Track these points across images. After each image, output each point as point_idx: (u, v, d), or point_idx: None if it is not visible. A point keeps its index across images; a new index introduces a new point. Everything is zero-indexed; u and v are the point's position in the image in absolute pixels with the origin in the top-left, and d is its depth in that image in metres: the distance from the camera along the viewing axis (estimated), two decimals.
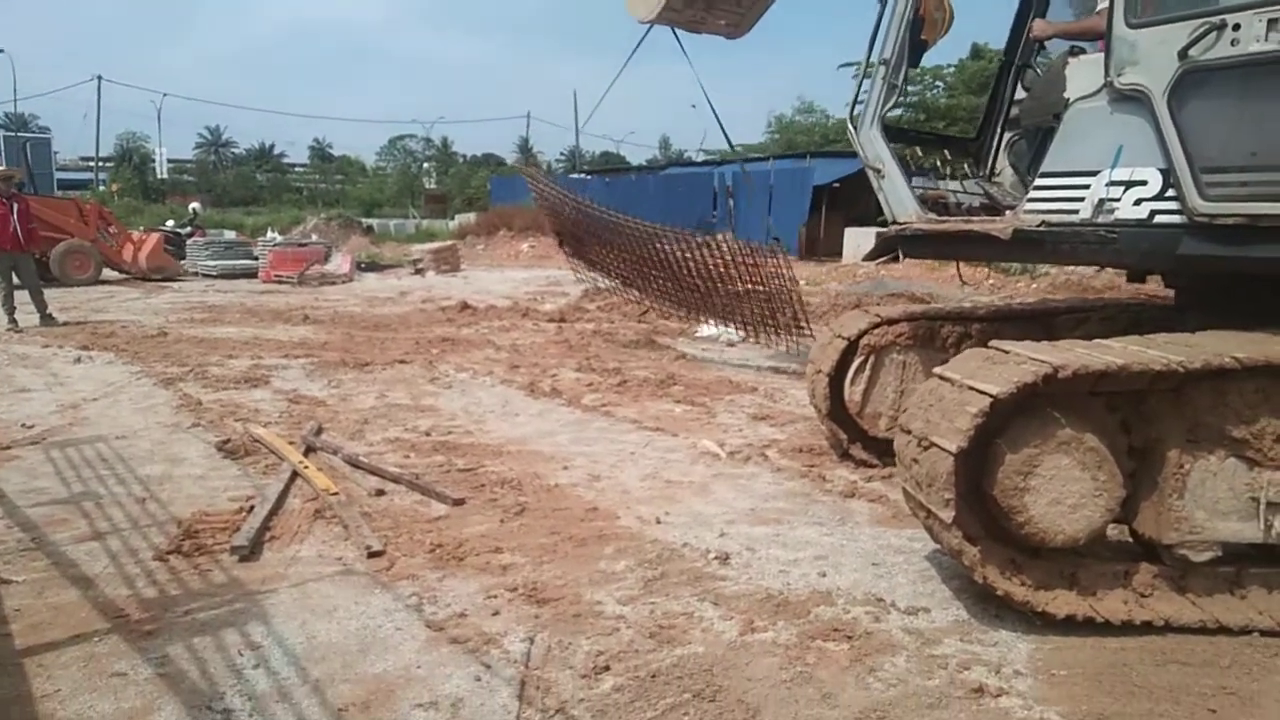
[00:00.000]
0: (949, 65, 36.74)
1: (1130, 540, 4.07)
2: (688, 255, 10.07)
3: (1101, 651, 3.54)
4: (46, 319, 12.47)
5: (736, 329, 10.52)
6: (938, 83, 37.84)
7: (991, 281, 18.57)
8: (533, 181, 11.71)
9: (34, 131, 56.51)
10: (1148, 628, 3.65)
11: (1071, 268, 17.81)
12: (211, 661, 3.37)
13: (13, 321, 12.06)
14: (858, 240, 25.09)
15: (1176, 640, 3.61)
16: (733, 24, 8.82)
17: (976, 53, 33.68)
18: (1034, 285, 17.98)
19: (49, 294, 13.18)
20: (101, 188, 51.15)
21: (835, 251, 26.72)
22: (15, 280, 12.43)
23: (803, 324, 9.98)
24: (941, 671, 3.37)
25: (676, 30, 8.87)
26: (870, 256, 23.87)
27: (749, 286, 9.83)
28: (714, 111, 10.33)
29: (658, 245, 10.41)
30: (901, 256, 20.54)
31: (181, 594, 3.95)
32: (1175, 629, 3.65)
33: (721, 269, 10.09)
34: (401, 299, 17.02)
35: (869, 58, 5.54)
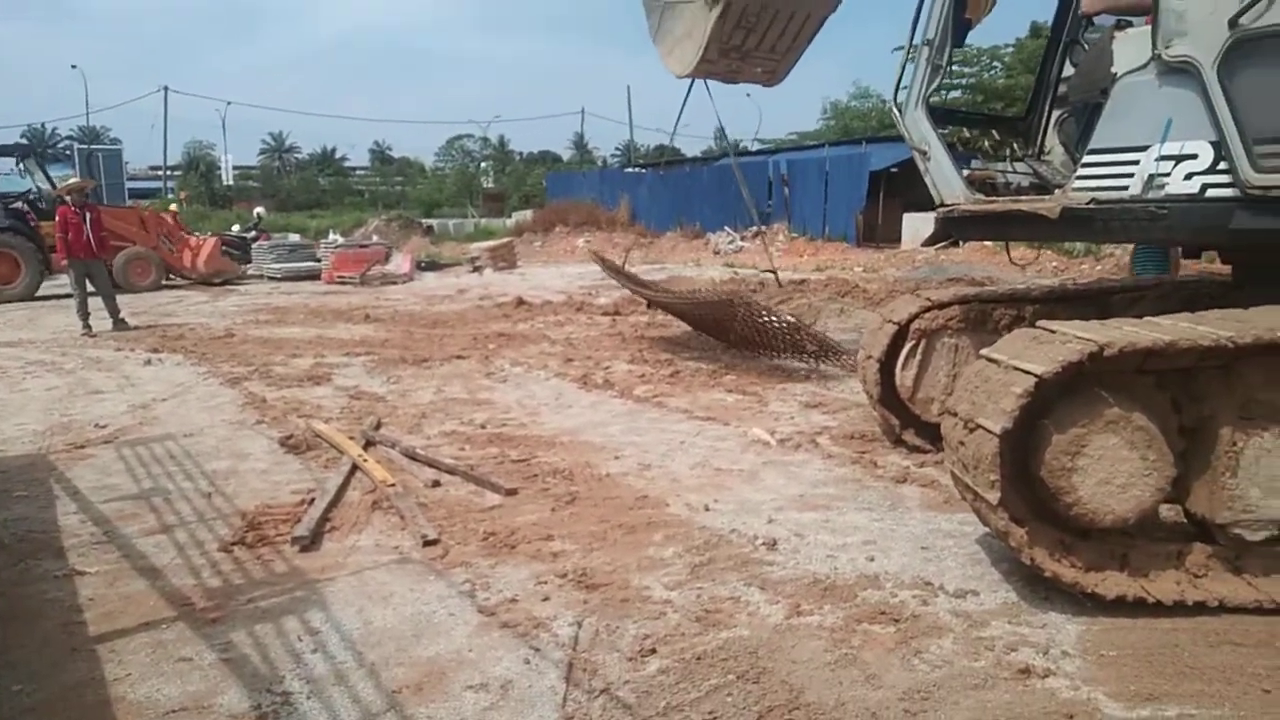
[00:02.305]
0: (1007, 45, 36.03)
1: (1183, 520, 4.01)
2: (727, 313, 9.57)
3: (1153, 633, 3.50)
4: (119, 324, 12.89)
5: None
6: (995, 63, 37.14)
7: (1055, 264, 18.23)
8: (610, 271, 11.65)
9: (106, 143, 58.20)
10: (1201, 609, 3.60)
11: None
12: (272, 647, 3.50)
13: (87, 327, 12.50)
14: (916, 225, 24.78)
15: (1231, 621, 3.55)
16: (769, 71, 8.88)
17: (1036, 31, 32.95)
18: (1099, 266, 17.63)
19: (120, 300, 13.60)
20: (170, 195, 52.57)
21: (894, 238, 26.42)
22: (89, 287, 12.87)
23: (831, 353, 8.96)
24: (988, 653, 3.36)
25: (709, 82, 9.02)
26: (929, 242, 23.53)
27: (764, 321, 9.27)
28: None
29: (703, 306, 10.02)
30: (961, 241, 20.29)
31: (245, 583, 4.09)
32: (1230, 610, 3.59)
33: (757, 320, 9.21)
34: (459, 297, 17.25)
35: (912, 38, 5.50)
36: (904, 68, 5.61)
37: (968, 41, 6.07)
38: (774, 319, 8.85)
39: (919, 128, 5.51)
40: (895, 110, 5.70)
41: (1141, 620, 3.57)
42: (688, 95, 9.60)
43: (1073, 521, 3.69)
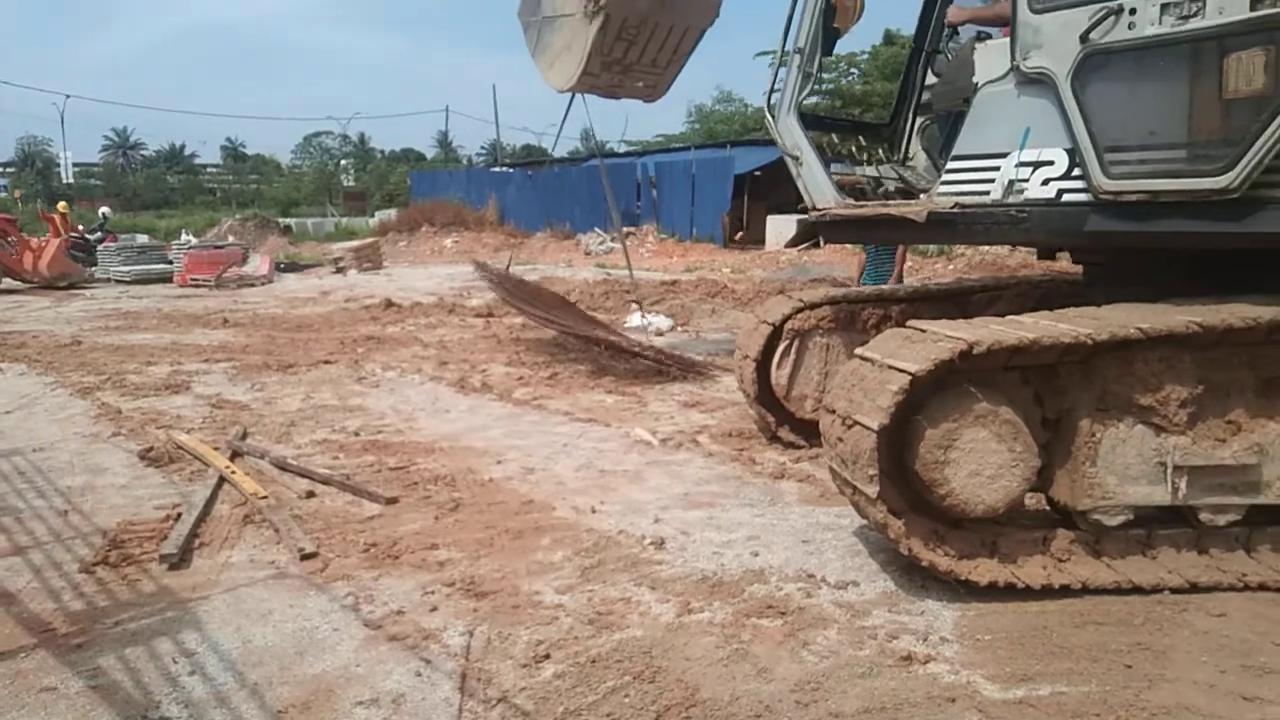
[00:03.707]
0: (863, 52, 37.17)
1: (1048, 508, 4.24)
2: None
3: (1023, 616, 3.68)
4: None
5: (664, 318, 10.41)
6: (852, 70, 38.30)
7: (909, 264, 18.92)
8: (494, 282, 11.43)
9: None
10: (1066, 591, 3.80)
11: (986, 248, 18.31)
12: (145, 671, 3.32)
13: None
14: (779, 227, 25.42)
15: (1093, 602, 3.77)
16: (650, 85, 8.97)
17: (889, 39, 34.16)
18: (950, 266, 18.42)
19: None
20: (2, 194, 49.26)
21: (759, 240, 27.00)
22: None
23: (693, 369, 9.27)
24: (872, 642, 3.48)
25: (586, 97, 9.06)
26: (793, 243, 24.19)
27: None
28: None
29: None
30: (823, 242, 20.92)
31: (110, 605, 3.87)
32: (1092, 591, 3.81)
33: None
34: (323, 299, 16.75)
35: (784, 46, 5.63)
36: (776, 74, 5.74)
37: None
38: (637, 349, 9.14)
39: (791, 133, 5.65)
40: (769, 116, 5.84)
41: (1012, 605, 3.76)
42: (568, 110, 9.58)
43: (946, 512, 3.85)
